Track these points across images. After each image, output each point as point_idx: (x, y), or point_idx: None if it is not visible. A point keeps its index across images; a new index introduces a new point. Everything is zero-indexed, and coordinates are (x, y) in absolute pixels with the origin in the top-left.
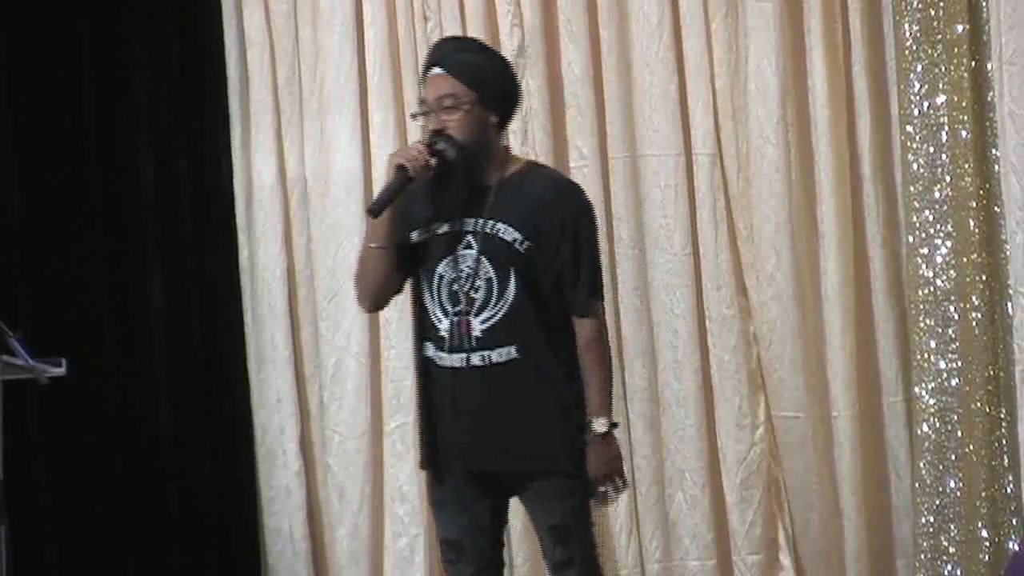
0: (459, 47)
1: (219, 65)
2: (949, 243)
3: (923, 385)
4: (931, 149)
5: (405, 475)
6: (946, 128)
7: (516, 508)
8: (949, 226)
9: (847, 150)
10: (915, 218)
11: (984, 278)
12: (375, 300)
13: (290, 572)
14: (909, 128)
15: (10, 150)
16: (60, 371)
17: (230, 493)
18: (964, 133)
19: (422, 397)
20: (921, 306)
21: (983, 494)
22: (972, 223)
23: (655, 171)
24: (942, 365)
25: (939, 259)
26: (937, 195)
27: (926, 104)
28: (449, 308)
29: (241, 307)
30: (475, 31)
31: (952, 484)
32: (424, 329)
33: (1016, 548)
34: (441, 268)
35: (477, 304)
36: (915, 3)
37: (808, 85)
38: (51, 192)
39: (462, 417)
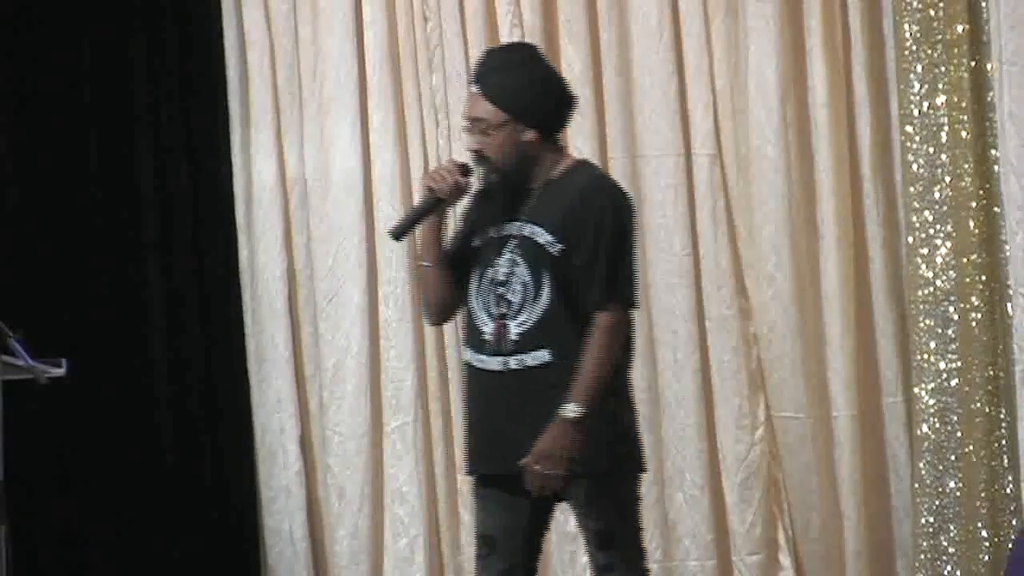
0: (501, 64)
1: (219, 65)
2: (949, 243)
3: (923, 385)
4: (931, 149)
5: (405, 475)
6: (946, 129)
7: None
8: (949, 226)
9: (847, 150)
10: (915, 218)
11: (984, 278)
12: (438, 315)
13: (290, 572)
14: (909, 128)
15: (10, 150)
16: (60, 371)
17: (230, 493)
18: (964, 133)
19: (466, 400)
20: (921, 306)
21: (983, 494)
22: (972, 223)
23: (655, 171)
24: (942, 365)
25: (939, 259)
26: (937, 195)
27: (926, 104)
28: (493, 312)
29: (241, 307)
30: (475, 31)
31: (952, 484)
32: (470, 333)
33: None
34: (485, 272)
35: (514, 308)
36: (915, 3)
37: (808, 85)
38: (51, 192)
39: (500, 420)
